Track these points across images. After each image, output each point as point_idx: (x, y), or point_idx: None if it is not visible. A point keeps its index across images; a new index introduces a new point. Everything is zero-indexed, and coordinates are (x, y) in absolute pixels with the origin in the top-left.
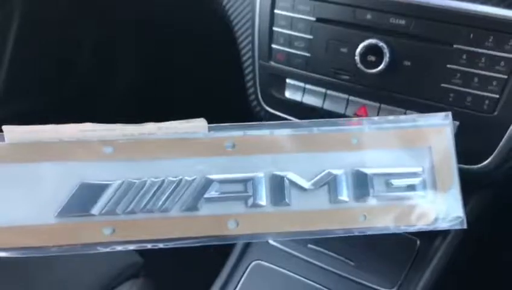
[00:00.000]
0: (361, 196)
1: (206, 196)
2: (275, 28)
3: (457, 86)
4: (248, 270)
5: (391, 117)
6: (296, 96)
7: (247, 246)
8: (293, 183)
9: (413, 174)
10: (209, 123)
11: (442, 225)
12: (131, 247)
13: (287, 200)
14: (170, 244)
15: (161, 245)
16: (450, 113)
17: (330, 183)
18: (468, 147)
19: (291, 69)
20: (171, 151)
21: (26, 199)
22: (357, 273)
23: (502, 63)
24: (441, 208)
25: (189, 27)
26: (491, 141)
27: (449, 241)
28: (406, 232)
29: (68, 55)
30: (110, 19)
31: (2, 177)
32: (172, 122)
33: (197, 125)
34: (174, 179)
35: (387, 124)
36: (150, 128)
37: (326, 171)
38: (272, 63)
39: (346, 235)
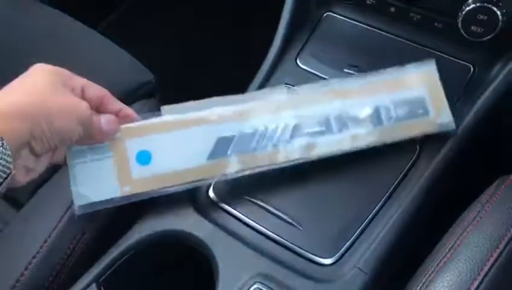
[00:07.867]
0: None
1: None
2: None
3: None
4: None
5: (392, 69)
6: None
7: None
8: (353, 118)
9: (419, 102)
10: None
11: (441, 129)
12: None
13: (348, 124)
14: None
15: (275, 166)
16: (433, 60)
17: (374, 116)
18: None
19: None
20: (262, 112)
21: (184, 152)
22: None
23: None
24: (438, 120)
25: None
26: None
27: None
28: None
29: None
30: None
31: (168, 140)
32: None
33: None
34: (274, 126)
35: (392, 74)
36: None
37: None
38: None
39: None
